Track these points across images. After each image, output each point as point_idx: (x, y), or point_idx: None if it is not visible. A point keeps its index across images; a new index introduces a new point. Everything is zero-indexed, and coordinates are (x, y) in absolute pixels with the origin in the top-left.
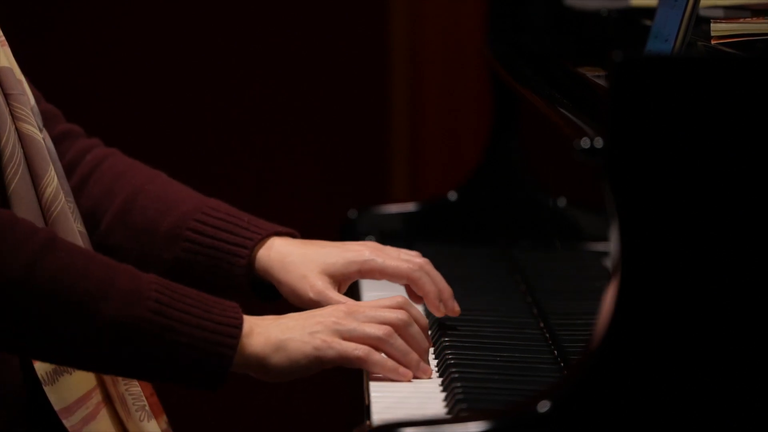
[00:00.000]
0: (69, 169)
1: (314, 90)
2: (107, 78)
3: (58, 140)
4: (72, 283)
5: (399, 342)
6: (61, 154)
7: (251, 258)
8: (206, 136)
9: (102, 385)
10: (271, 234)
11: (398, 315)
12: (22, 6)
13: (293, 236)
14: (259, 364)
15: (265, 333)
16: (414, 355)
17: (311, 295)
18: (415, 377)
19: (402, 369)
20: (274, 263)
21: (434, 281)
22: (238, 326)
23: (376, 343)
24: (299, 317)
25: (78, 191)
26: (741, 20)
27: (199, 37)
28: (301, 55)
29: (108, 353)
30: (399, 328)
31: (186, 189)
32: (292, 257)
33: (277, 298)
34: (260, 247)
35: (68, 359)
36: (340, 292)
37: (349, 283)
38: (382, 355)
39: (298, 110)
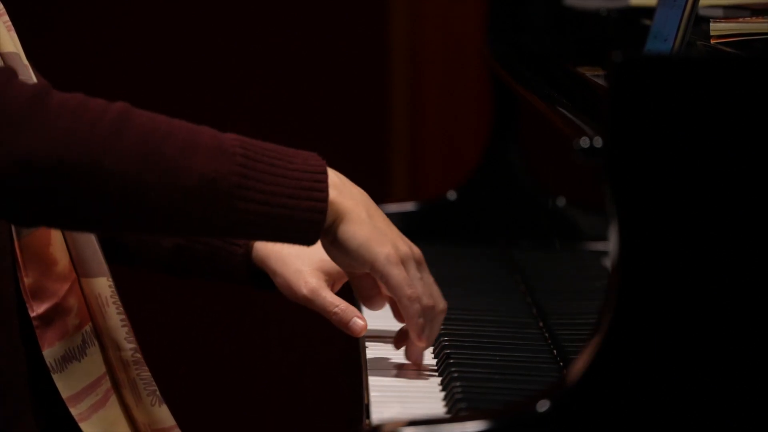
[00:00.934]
0: None
1: (314, 90)
2: (107, 78)
3: None
4: (158, 147)
5: (437, 322)
6: None
7: (249, 246)
8: None
9: (111, 371)
10: None
11: (443, 306)
12: (22, 5)
13: None
14: (338, 221)
15: (353, 201)
16: (433, 337)
17: (305, 291)
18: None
19: (416, 306)
20: (272, 254)
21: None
22: (324, 172)
23: (423, 302)
24: (381, 215)
25: None
26: (740, 20)
27: (199, 37)
28: (301, 55)
29: (201, 212)
30: (438, 313)
31: None
32: (290, 249)
33: (273, 289)
34: None
35: (161, 223)
36: (336, 288)
37: (344, 281)
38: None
39: (298, 110)
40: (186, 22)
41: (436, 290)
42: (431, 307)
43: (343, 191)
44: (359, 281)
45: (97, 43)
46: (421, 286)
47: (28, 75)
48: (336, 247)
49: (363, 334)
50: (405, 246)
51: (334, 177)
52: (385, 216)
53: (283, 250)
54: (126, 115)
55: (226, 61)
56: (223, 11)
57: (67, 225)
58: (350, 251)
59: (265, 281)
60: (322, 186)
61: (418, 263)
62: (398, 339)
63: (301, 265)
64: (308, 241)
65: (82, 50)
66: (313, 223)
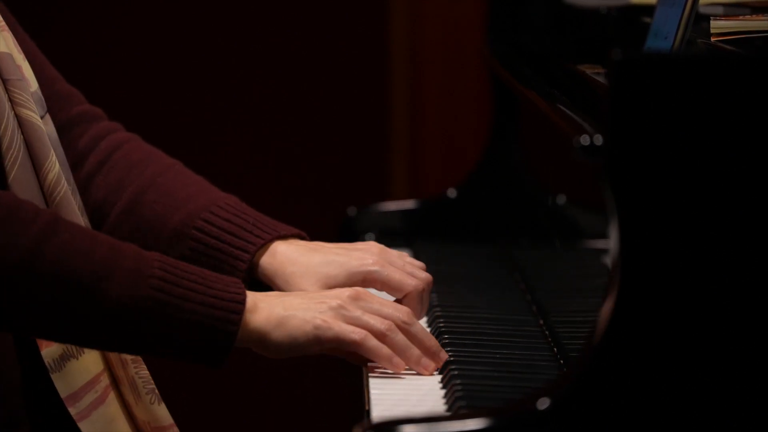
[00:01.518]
0: (82, 155)
1: (314, 90)
2: (107, 78)
3: (74, 122)
4: (76, 265)
5: (400, 336)
6: (75, 137)
7: (253, 263)
8: (207, 135)
9: (110, 369)
10: (275, 238)
11: (401, 314)
12: (22, 5)
13: (300, 237)
14: (260, 339)
15: (268, 309)
16: (415, 350)
17: None
18: (419, 373)
19: (396, 359)
20: (277, 271)
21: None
22: (242, 302)
23: (376, 334)
24: (304, 296)
25: (90, 179)
26: (740, 18)
27: (199, 37)
28: (301, 55)
29: (113, 332)
30: (401, 326)
31: (199, 182)
32: (294, 268)
33: None
34: (263, 253)
35: (74, 339)
36: None
37: None
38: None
39: (299, 110)
40: (186, 22)
41: (384, 314)
42: (384, 334)
43: (263, 309)
44: (349, 357)
45: (97, 43)
46: (363, 322)
47: (20, 75)
48: (296, 352)
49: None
50: (329, 301)
51: (252, 301)
52: (305, 294)
53: (287, 269)
54: (50, 228)
55: (226, 61)
56: (223, 11)
57: None
58: (309, 346)
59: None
60: (235, 318)
61: (353, 300)
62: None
63: (307, 284)
64: (217, 363)
65: (82, 50)
66: (220, 350)
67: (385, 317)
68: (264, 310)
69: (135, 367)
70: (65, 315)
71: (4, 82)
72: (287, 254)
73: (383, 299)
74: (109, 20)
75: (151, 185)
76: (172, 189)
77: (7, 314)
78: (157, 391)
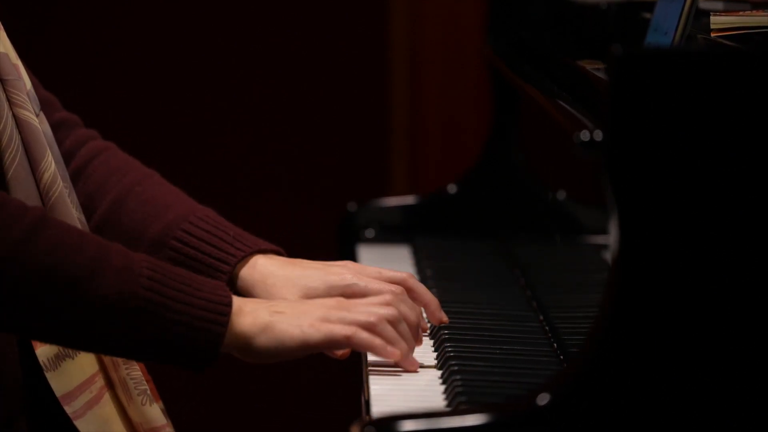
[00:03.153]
0: (64, 161)
1: (315, 89)
2: (106, 78)
3: (55, 128)
4: (64, 261)
5: (389, 328)
6: (57, 143)
7: (233, 275)
8: (207, 134)
9: (104, 370)
10: (255, 252)
11: (388, 311)
12: (22, 4)
13: (278, 253)
14: (245, 344)
15: (254, 313)
16: (403, 344)
17: None
18: (404, 370)
19: (390, 348)
20: (257, 283)
21: (420, 295)
22: (228, 304)
23: (365, 327)
24: (289, 303)
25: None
26: (740, 13)
27: (199, 37)
28: (301, 55)
29: (100, 331)
30: (390, 320)
31: (177, 193)
32: (274, 279)
33: None
34: (243, 265)
35: (60, 337)
36: None
37: None
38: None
39: (299, 109)
40: (186, 22)
41: (370, 311)
42: (374, 327)
43: (245, 314)
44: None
45: (96, 42)
46: (351, 320)
47: (17, 75)
48: (282, 356)
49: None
50: (317, 306)
51: (239, 304)
52: (295, 302)
53: (267, 281)
54: (39, 224)
55: (226, 61)
56: (223, 11)
57: None
58: (296, 350)
59: None
60: (222, 319)
61: (338, 307)
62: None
63: (287, 294)
64: (202, 367)
65: (81, 50)
66: (207, 353)
67: (371, 314)
68: (249, 314)
69: (126, 369)
70: (51, 312)
71: (2, 83)
72: (267, 267)
73: (368, 299)
74: (109, 20)
75: (130, 193)
76: (150, 198)
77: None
78: (149, 392)
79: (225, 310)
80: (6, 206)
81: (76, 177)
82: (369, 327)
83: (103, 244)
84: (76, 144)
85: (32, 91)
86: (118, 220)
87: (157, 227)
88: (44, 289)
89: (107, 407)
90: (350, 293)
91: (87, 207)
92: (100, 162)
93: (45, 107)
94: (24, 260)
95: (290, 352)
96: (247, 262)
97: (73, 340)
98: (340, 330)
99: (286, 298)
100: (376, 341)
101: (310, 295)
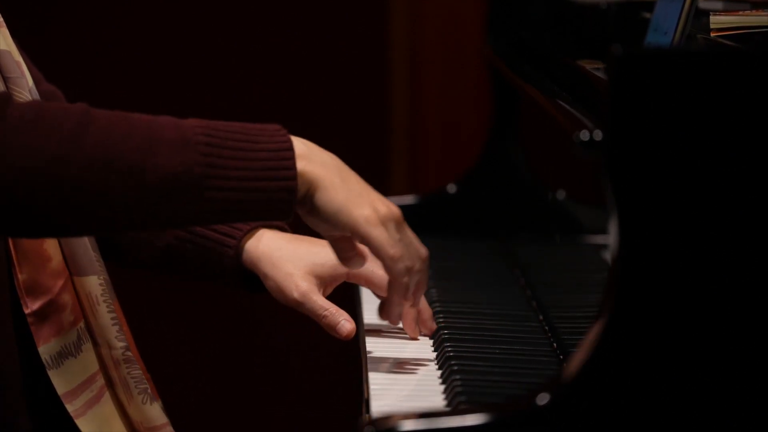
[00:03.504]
0: None
1: (314, 89)
2: (106, 78)
3: None
4: (119, 146)
5: (419, 278)
6: None
7: (239, 248)
8: None
9: (104, 369)
10: (261, 225)
11: (423, 264)
12: (22, 4)
13: (282, 230)
14: (314, 190)
15: (322, 162)
16: (414, 311)
17: (295, 295)
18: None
19: (402, 305)
20: (263, 256)
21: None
22: (290, 148)
23: (408, 265)
24: (362, 183)
25: None
26: (740, 13)
27: (199, 37)
28: (301, 55)
29: (168, 205)
30: (422, 271)
31: None
32: (281, 252)
33: (264, 291)
34: (249, 238)
35: (131, 222)
36: (327, 292)
37: (335, 285)
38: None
39: (299, 109)
40: (186, 22)
41: (415, 250)
42: (411, 266)
43: (312, 159)
44: (337, 243)
45: (96, 42)
46: (401, 246)
47: (19, 72)
48: (314, 215)
49: (351, 336)
50: (383, 206)
51: (301, 147)
52: (359, 178)
53: (273, 254)
54: (84, 120)
55: (226, 61)
56: (223, 11)
57: (44, 233)
58: (329, 218)
59: (257, 284)
60: (289, 164)
61: (397, 223)
62: (386, 311)
63: (293, 269)
64: (283, 218)
65: (81, 50)
66: (285, 202)
67: (412, 255)
68: (319, 165)
69: (127, 367)
70: (117, 198)
71: (5, 80)
72: (274, 240)
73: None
74: (109, 20)
75: None
76: None
77: (56, 212)
78: (149, 391)
79: (288, 155)
80: (46, 113)
81: None
82: (410, 268)
83: (152, 121)
84: None
85: (34, 88)
86: None
87: None
88: (105, 178)
89: (107, 406)
90: (355, 274)
91: None
92: None
93: (49, 100)
94: (79, 161)
95: (344, 224)
96: (253, 235)
97: (143, 222)
98: (391, 246)
99: (291, 273)
100: (404, 281)
101: (317, 272)
